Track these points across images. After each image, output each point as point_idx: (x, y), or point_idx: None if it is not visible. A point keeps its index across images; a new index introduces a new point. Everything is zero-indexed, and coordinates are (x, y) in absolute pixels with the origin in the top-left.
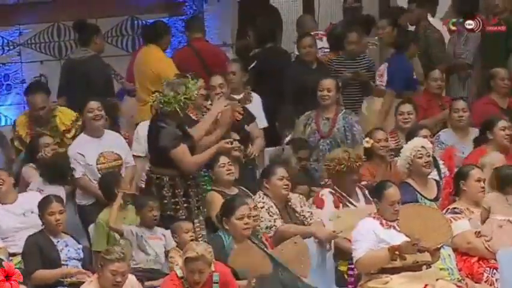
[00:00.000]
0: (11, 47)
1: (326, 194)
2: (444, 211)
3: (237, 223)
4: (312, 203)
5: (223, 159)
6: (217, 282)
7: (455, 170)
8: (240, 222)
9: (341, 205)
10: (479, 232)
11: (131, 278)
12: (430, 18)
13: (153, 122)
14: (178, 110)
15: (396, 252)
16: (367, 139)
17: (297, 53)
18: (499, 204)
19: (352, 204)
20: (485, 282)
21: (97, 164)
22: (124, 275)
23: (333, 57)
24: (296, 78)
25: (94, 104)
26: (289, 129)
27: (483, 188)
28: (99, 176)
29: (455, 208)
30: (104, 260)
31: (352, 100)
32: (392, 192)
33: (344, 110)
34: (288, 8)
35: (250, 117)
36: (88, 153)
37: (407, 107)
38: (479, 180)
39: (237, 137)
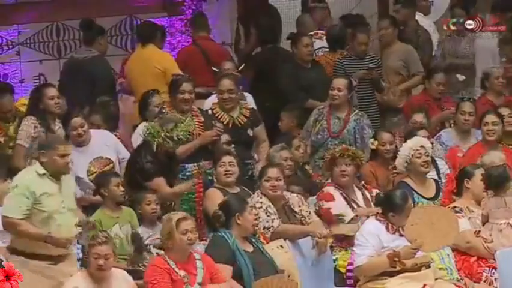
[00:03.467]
0: (10, 47)
1: (331, 190)
2: None
3: (250, 218)
4: (318, 199)
5: (225, 159)
6: (199, 259)
7: (458, 168)
8: (251, 217)
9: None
10: (479, 231)
11: (125, 274)
12: (418, 18)
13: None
14: (155, 145)
15: (396, 259)
16: (372, 140)
17: None
18: (498, 209)
19: (354, 202)
20: (484, 281)
21: (88, 175)
22: (106, 258)
23: (342, 56)
24: (292, 77)
25: (76, 122)
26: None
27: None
28: (91, 185)
29: (455, 207)
30: (88, 246)
31: (366, 98)
32: (411, 202)
33: (356, 111)
34: (287, 7)
35: (257, 120)
36: (75, 165)
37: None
38: (484, 180)
39: (229, 138)
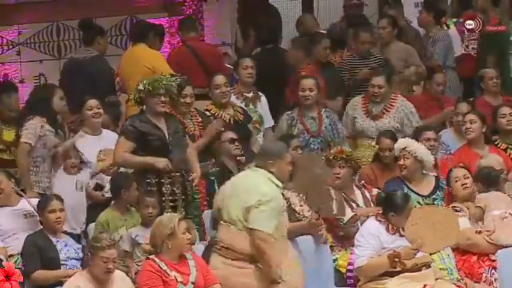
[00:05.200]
0: (10, 47)
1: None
2: None
3: None
4: None
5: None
6: (191, 259)
7: None
8: None
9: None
10: (480, 231)
11: (123, 275)
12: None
13: None
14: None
15: (396, 259)
16: (373, 143)
17: None
18: (495, 200)
19: (353, 201)
20: (484, 281)
21: (97, 161)
22: (114, 261)
23: (346, 56)
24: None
25: (92, 102)
26: None
27: (464, 184)
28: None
29: (454, 207)
30: (94, 248)
31: None
32: (412, 203)
33: (325, 109)
34: (287, 7)
35: (249, 118)
36: (86, 150)
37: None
38: (457, 180)
39: (235, 136)
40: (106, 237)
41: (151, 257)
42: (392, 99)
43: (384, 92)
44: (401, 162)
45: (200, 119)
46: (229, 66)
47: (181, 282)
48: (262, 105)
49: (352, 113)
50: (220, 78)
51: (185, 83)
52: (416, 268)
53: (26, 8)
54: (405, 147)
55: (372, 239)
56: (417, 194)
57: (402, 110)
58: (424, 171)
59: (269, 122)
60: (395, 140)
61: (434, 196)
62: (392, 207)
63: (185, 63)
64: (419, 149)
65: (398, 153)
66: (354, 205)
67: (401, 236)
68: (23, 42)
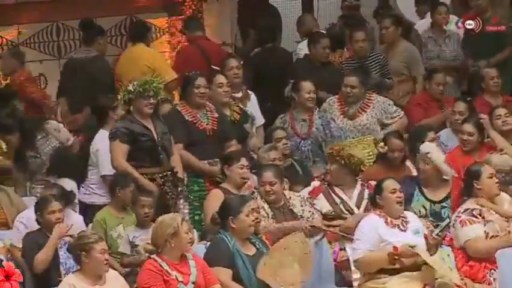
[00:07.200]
0: (10, 47)
1: (317, 183)
2: (459, 211)
3: (246, 220)
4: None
5: (244, 161)
6: (191, 259)
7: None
8: (248, 219)
9: (321, 194)
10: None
11: (117, 274)
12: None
13: None
14: (127, 97)
15: (396, 257)
16: (381, 144)
17: (301, 52)
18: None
19: (339, 197)
20: (483, 282)
21: None
22: (108, 253)
23: (345, 57)
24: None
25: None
26: None
27: (498, 182)
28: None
29: (473, 210)
30: (88, 244)
31: None
32: (390, 181)
33: (318, 109)
34: (287, 7)
35: (246, 117)
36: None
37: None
38: (491, 176)
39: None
40: (93, 232)
41: (152, 256)
42: (368, 98)
43: (358, 92)
44: (421, 166)
45: (216, 115)
46: (216, 68)
47: (181, 281)
48: (252, 104)
49: (329, 111)
50: (222, 77)
51: (197, 75)
52: (416, 267)
53: (26, 8)
54: (427, 153)
55: (370, 232)
56: (427, 199)
57: (378, 106)
58: (444, 177)
59: (259, 119)
60: (402, 139)
61: (443, 204)
62: (377, 191)
63: (192, 60)
64: (440, 157)
65: (421, 156)
66: (338, 201)
67: (401, 230)
68: (23, 42)
